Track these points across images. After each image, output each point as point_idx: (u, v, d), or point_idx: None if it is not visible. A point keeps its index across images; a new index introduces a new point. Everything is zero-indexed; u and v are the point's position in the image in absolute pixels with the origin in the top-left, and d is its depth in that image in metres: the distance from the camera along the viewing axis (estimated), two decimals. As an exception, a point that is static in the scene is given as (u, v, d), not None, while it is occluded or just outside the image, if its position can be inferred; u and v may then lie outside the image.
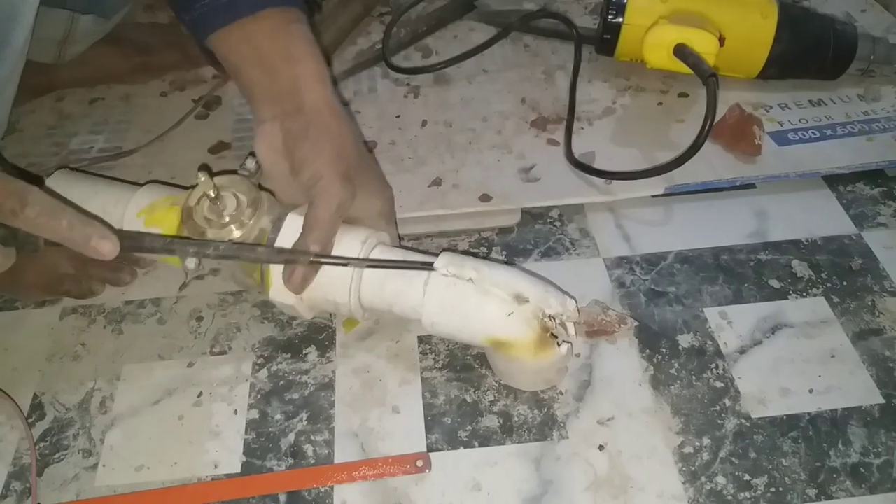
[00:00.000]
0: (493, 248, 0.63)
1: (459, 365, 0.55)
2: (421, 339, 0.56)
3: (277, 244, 0.51)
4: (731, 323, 0.56)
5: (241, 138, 0.74)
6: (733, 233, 0.62)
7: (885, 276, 0.58)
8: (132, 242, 0.47)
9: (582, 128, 0.72)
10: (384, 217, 0.54)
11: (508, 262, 0.61)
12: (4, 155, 0.69)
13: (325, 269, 0.51)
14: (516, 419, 0.51)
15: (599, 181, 0.66)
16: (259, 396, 0.54)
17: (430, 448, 0.50)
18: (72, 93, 0.81)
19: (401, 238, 0.59)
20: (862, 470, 0.47)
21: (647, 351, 0.55)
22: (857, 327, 0.55)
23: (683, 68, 0.66)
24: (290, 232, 0.51)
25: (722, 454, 0.49)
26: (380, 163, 0.69)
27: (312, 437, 0.51)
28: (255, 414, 0.53)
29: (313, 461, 0.50)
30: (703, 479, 0.47)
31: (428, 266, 0.49)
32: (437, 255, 0.51)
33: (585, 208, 0.65)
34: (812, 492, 0.46)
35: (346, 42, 0.85)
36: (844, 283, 0.58)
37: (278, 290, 0.52)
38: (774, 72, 0.73)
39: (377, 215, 0.54)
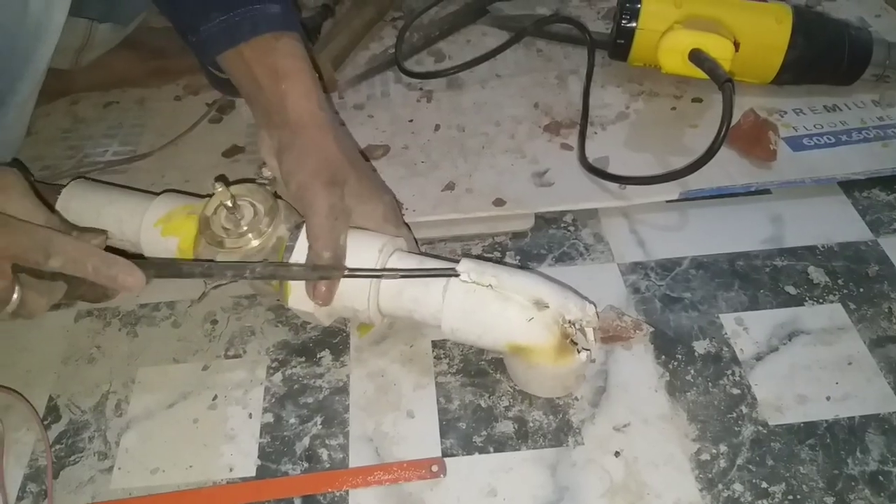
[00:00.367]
0: (507, 253, 0.63)
1: (474, 370, 0.55)
2: (435, 344, 0.56)
3: (295, 252, 0.51)
4: (747, 329, 0.56)
5: (255, 142, 0.73)
6: (749, 238, 0.62)
7: (903, 282, 0.58)
8: (169, 270, 0.49)
9: (595, 132, 0.72)
10: (390, 221, 0.54)
11: (524, 268, 0.61)
12: (19, 158, 0.70)
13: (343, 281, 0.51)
14: (531, 425, 0.51)
15: (613, 186, 0.65)
16: (274, 400, 0.54)
17: (445, 453, 0.50)
18: (86, 96, 0.82)
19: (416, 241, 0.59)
20: (881, 478, 0.47)
21: (663, 357, 0.54)
22: (874, 334, 0.55)
23: (698, 73, 0.66)
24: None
25: (739, 461, 0.48)
26: (393, 167, 0.70)
27: (327, 441, 0.51)
28: (269, 417, 0.53)
29: (328, 465, 0.50)
30: (720, 486, 0.47)
31: (451, 272, 0.49)
32: (454, 260, 0.51)
33: (599, 213, 0.65)
34: (830, 500, 0.46)
35: (359, 47, 0.86)
36: (861, 290, 0.58)
37: (297, 299, 0.52)
38: (789, 77, 0.72)
39: (382, 221, 0.54)
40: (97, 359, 0.57)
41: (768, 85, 0.74)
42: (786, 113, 0.72)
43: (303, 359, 0.56)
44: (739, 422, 0.50)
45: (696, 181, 0.64)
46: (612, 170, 0.66)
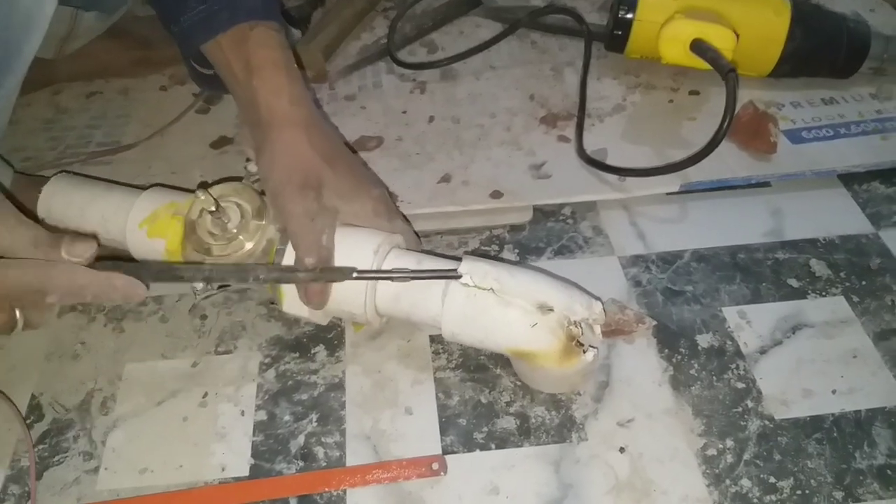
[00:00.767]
0: (505, 247, 0.61)
1: (473, 365, 0.53)
2: (433, 339, 0.55)
3: (287, 255, 0.49)
4: (750, 322, 0.55)
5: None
6: (749, 231, 0.61)
7: (905, 275, 0.58)
8: (168, 274, 0.47)
9: (593, 125, 0.71)
10: (381, 216, 0.52)
11: (522, 262, 0.60)
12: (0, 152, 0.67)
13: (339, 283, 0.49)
14: (534, 421, 0.50)
15: (612, 178, 0.64)
16: (267, 397, 0.52)
17: (446, 450, 0.49)
18: (69, 86, 0.80)
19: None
20: (889, 472, 0.46)
21: (666, 351, 0.53)
22: (878, 327, 0.54)
23: (700, 64, 0.65)
24: None
25: (746, 456, 0.47)
26: (387, 158, 0.68)
27: (323, 439, 0.50)
28: (262, 415, 0.51)
29: (324, 464, 0.48)
30: (727, 481, 0.46)
31: (453, 274, 0.47)
32: (454, 257, 0.49)
33: (598, 206, 0.64)
34: (839, 494, 0.45)
35: (350, 37, 0.84)
36: (863, 283, 0.57)
37: (292, 304, 0.50)
38: (787, 69, 0.72)
39: (373, 216, 0.51)
40: (82, 355, 0.55)
41: (765, 78, 0.73)
42: (783, 106, 0.72)
43: (296, 354, 0.55)
44: (745, 416, 0.49)
45: (695, 173, 0.63)
46: (610, 162, 0.65)
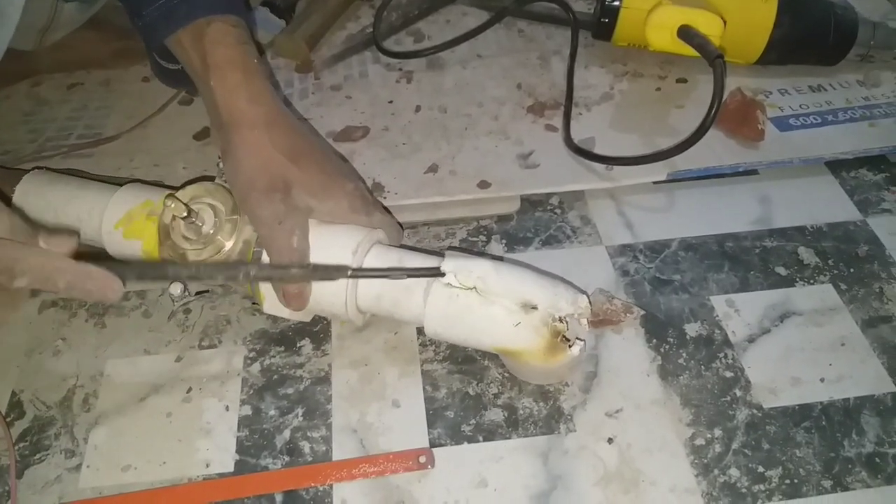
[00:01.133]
0: (493, 237, 0.61)
1: (461, 357, 0.53)
2: (420, 331, 0.54)
3: (265, 257, 0.48)
4: (738, 311, 0.55)
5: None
6: (737, 219, 0.61)
7: (892, 262, 0.57)
8: (153, 273, 0.45)
9: (580, 114, 0.70)
10: (358, 211, 0.50)
11: (510, 252, 0.59)
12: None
13: (318, 283, 0.48)
14: (521, 412, 0.49)
15: (600, 167, 0.64)
16: (252, 392, 0.51)
17: (433, 443, 0.48)
18: (49, 78, 0.78)
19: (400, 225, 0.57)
20: (877, 460, 0.46)
21: (654, 340, 0.53)
22: (866, 315, 0.54)
23: (687, 50, 0.65)
24: None
25: (734, 446, 0.47)
26: (373, 149, 0.67)
27: (309, 434, 0.49)
28: (247, 410, 0.50)
29: (310, 459, 0.48)
30: (716, 471, 0.46)
31: (436, 272, 0.47)
32: (437, 253, 0.49)
33: (586, 195, 0.64)
34: (828, 483, 0.45)
35: (335, 26, 0.83)
36: (851, 270, 0.57)
37: (272, 305, 0.50)
38: (774, 57, 0.71)
39: (349, 212, 0.50)
40: (63, 351, 0.54)
41: (752, 65, 0.73)
42: (771, 93, 0.71)
43: (282, 348, 0.54)
44: (734, 405, 0.49)
45: (683, 162, 0.62)
46: (598, 151, 0.64)
